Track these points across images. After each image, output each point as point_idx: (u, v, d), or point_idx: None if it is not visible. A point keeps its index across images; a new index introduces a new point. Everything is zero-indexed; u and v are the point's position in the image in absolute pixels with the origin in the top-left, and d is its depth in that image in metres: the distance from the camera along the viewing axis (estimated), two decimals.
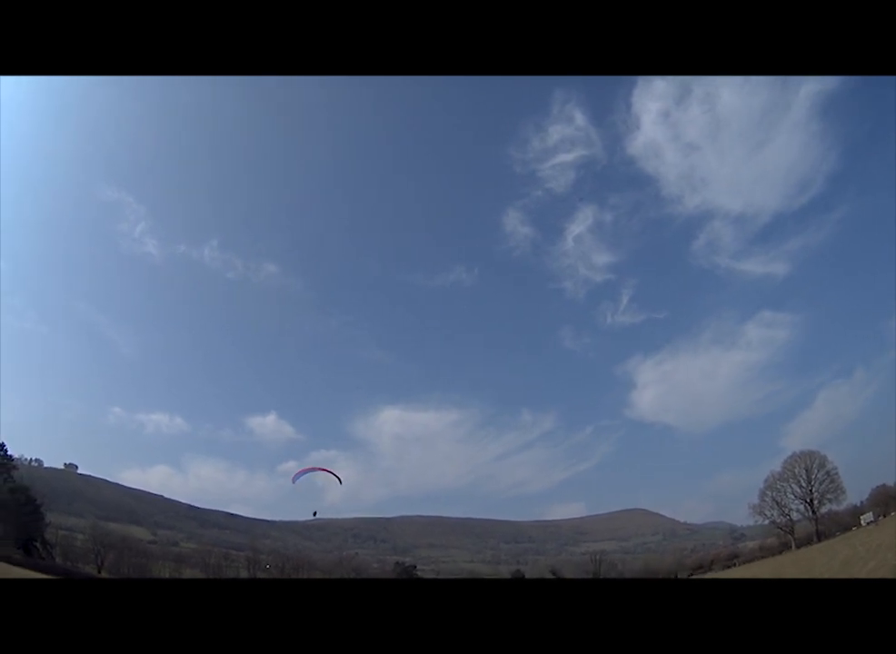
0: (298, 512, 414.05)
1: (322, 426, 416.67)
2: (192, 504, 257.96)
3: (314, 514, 63.84)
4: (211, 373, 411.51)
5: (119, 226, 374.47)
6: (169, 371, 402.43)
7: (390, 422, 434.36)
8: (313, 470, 49.49)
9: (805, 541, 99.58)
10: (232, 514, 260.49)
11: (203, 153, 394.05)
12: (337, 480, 51.62)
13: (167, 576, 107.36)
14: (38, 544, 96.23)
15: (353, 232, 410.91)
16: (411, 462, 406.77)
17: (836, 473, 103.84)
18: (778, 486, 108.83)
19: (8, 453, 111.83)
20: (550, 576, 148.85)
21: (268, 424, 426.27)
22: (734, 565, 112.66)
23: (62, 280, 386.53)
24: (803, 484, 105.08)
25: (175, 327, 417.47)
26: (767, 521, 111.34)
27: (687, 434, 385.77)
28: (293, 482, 47.87)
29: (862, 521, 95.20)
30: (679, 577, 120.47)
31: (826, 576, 42.39)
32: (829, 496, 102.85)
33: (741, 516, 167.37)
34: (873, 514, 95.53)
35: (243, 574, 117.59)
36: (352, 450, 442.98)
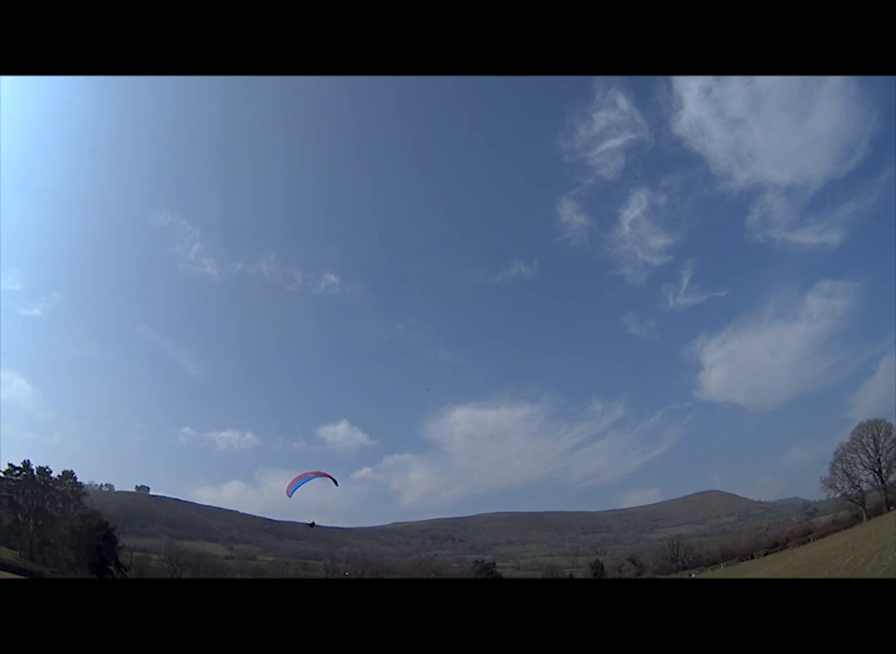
0: (374, 518, 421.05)
1: (394, 430, 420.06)
2: (267, 517, 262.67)
3: (312, 524, 60.98)
4: (279, 387, 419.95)
5: (175, 249, 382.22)
6: (237, 388, 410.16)
7: (461, 422, 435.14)
8: (307, 476, 47.62)
9: (875, 512, 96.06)
10: (308, 524, 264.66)
11: (250, 169, 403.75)
12: (334, 482, 49.86)
13: None
14: (112, 567, 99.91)
15: (410, 235, 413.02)
16: (484, 460, 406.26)
17: None
18: (847, 457, 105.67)
19: (77, 481, 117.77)
20: (629, 564, 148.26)
21: (340, 432, 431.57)
22: (809, 541, 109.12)
23: (121, 307, 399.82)
24: (871, 454, 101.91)
25: (240, 344, 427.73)
26: (839, 494, 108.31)
27: (756, 412, 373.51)
28: (290, 496, 45.68)
29: None
30: (755, 556, 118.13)
31: None
32: None
33: (813, 491, 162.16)
34: None
35: None
36: (425, 452, 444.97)
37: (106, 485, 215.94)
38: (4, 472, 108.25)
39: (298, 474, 46.52)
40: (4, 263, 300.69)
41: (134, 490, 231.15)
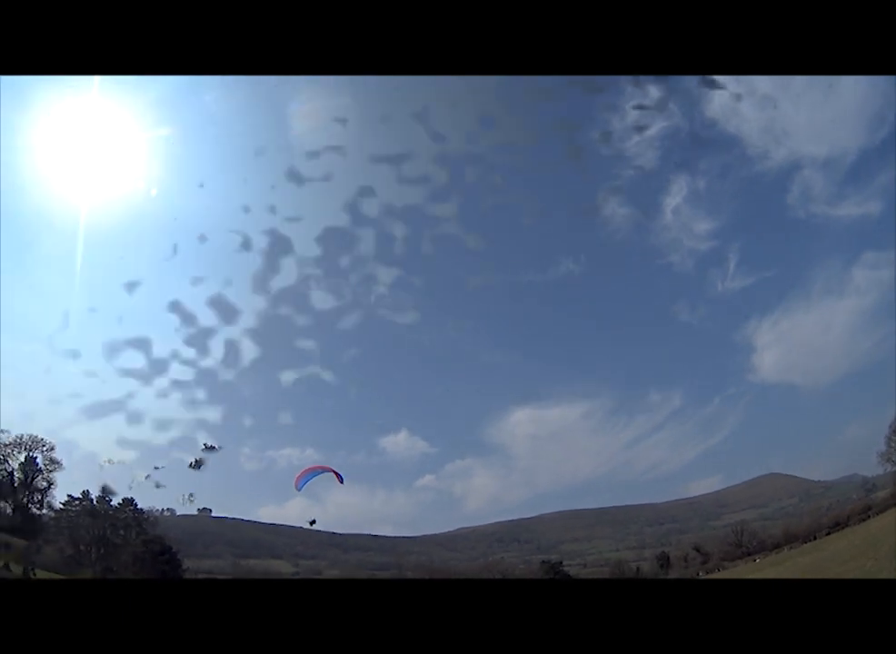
0: (439, 525, 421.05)
1: (454, 437, 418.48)
2: (333, 531, 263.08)
3: (312, 522, 58.98)
4: (335, 401, 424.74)
5: None
6: (293, 406, 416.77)
7: (522, 423, 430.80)
8: (315, 470, 45.56)
9: None
10: (374, 535, 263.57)
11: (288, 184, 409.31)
12: (339, 479, 48.63)
13: None
14: None
15: (456, 240, 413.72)
16: (547, 460, 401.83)
17: None
18: None
19: (138, 507, 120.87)
20: (694, 553, 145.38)
21: (400, 442, 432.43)
22: (868, 517, 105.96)
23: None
24: None
25: (290, 360, 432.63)
26: (895, 468, 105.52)
27: (811, 390, 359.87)
28: (299, 490, 44.38)
29: None
30: (817, 537, 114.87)
31: None
32: None
33: (871, 466, 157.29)
34: None
35: None
36: (487, 456, 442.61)
37: (168, 509, 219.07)
38: (63, 504, 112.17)
39: (305, 468, 46.60)
40: None
41: (196, 512, 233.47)
